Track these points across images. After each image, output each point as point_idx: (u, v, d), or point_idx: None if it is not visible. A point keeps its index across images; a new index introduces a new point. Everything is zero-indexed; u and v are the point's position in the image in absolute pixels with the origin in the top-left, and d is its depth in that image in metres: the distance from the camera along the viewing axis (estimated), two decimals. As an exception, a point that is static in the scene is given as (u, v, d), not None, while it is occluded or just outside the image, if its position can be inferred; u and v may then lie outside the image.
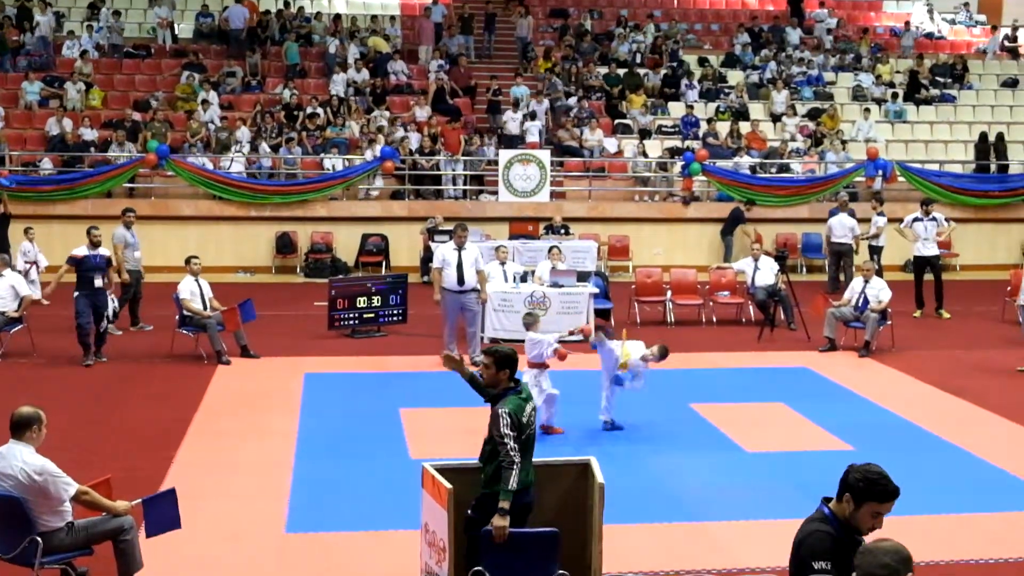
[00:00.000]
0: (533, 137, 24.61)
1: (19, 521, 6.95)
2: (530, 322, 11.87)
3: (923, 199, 19.71)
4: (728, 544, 8.58)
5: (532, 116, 24.87)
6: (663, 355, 11.43)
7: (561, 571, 6.88)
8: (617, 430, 11.50)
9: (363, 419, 12.03)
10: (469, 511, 6.91)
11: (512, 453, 6.72)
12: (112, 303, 15.21)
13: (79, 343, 14.33)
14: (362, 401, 12.82)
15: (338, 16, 28.76)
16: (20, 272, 16.44)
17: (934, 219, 18.66)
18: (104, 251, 14.74)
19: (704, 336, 16.81)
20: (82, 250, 14.50)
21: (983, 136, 25.93)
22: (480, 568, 6.66)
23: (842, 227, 20.65)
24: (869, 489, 4.81)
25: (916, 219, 18.74)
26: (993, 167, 25.69)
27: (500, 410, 6.84)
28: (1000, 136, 26.01)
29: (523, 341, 15.38)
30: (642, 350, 11.40)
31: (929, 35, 32.08)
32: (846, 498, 4.87)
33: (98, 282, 14.33)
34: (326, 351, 15.44)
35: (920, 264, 18.66)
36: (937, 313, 18.39)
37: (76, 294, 14.31)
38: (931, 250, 18.49)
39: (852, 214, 21.06)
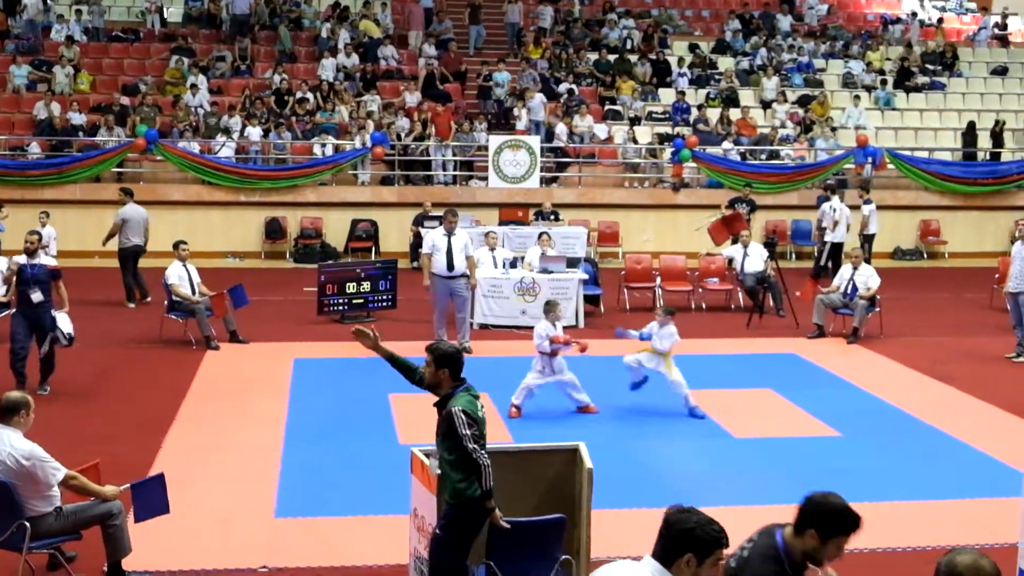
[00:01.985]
0: (523, 125, 24.54)
1: (7, 506, 6.94)
2: (547, 311, 11.65)
3: (824, 183, 19.61)
4: (716, 529, 8.58)
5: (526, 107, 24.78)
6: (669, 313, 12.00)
7: (564, 556, 6.89)
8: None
9: (352, 404, 12.05)
10: (438, 530, 6.50)
11: (480, 453, 6.28)
12: (65, 323, 12.03)
13: (11, 369, 11.94)
14: (351, 386, 12.82)
15: (337, 3, 28.56)
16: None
17: (833, 208, 18.59)
18: (45, 260, 12.36)
19: (693, 322, 16.78)
20: (21, 258, 12.10)
21: (971, 125, 25.91)
22: (490, 562, 6.56)
23: (837, 214, 20.53)
24: (840, 524, 4.52)
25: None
26: (981, 155, 25.71)
27: (453, 409, 6.32)
28: (998, 123, 25.89)
29: (511, 327, 15.42)
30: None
31: (920, 22, 32.08)
32: (810, 534, 4.52)
33: (35, 297, 11.73)
34: (315, 336, 15.42)
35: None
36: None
37: (12, 312, 12.20)
38: (836, 236, 18.51)
39: (842, 199, 21.02)
